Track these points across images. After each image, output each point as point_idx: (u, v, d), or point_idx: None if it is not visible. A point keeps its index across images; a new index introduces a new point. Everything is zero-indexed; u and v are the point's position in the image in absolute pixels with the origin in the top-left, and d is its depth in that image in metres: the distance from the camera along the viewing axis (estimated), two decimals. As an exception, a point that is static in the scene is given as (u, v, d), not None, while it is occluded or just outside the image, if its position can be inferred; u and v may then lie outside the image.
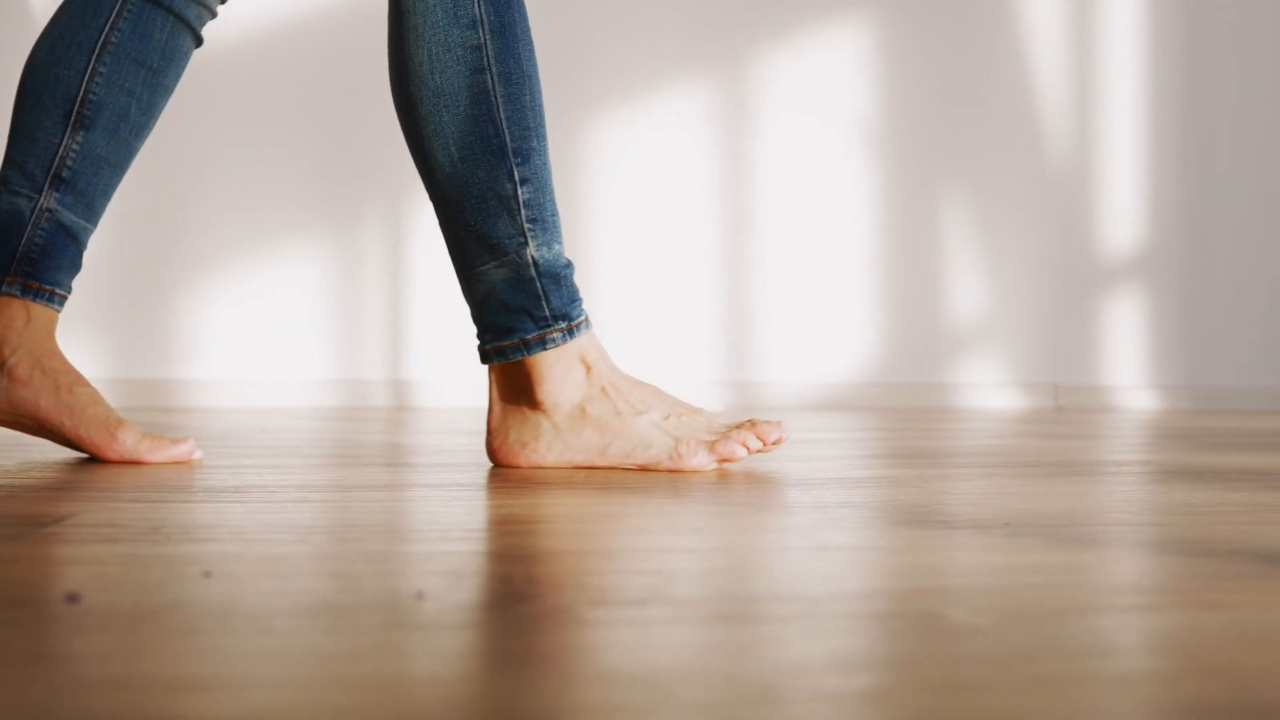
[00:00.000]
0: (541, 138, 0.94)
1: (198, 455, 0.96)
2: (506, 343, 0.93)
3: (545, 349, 0.92)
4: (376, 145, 2.28)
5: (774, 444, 0.92)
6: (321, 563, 0.50)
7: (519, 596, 0.43)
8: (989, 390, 2.57)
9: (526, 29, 0.94)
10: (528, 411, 0.94)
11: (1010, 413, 2.32)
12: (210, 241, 2.28)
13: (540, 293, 0.92)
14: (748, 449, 0.90)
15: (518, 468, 0.93)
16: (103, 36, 0.97)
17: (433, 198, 0.95)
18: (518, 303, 0.93)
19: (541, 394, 0.92)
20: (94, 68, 0.97)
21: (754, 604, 0.42)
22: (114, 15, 0.97)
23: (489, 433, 0.95)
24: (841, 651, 0.36)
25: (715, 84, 2.51)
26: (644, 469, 0.90)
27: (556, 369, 0.93)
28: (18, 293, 0.95)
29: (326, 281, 2.32)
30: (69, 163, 0.97)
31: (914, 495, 0.75)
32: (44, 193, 0.97)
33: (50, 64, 0.98)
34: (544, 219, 0.93)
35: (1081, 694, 0.31)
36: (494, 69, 0.92)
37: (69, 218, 0.97)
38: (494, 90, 0.92)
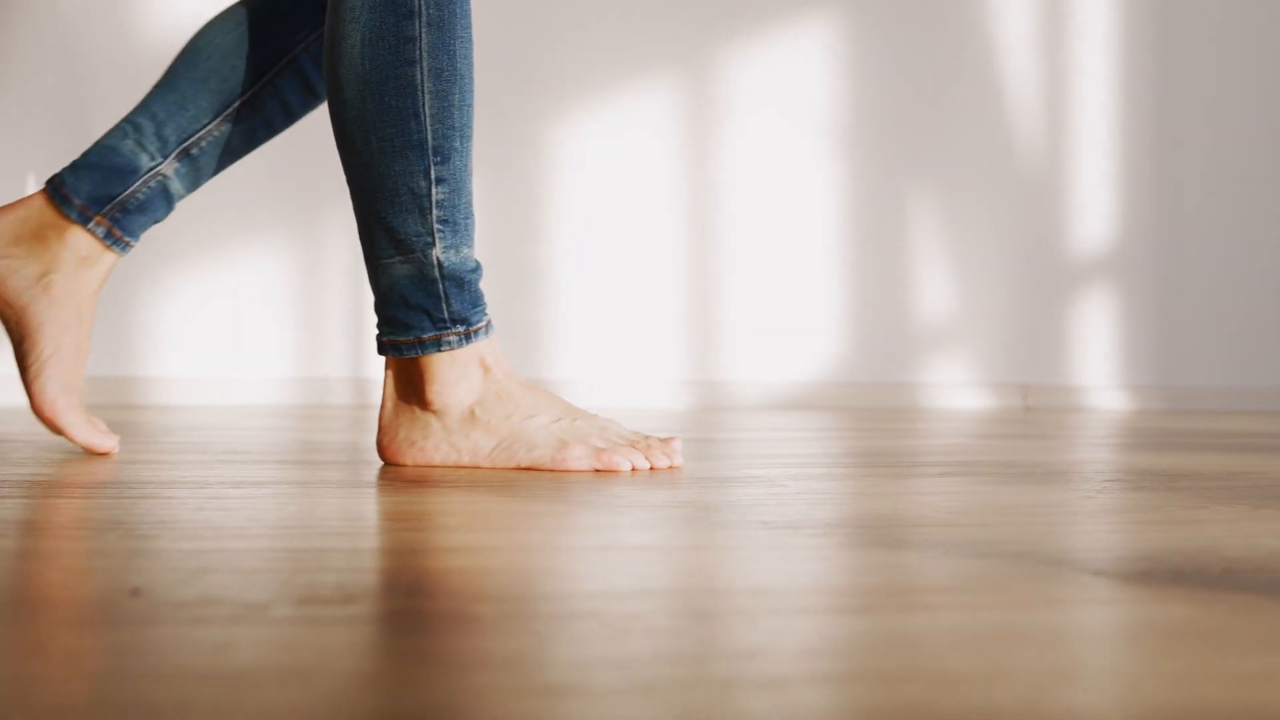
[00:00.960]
0: (466, 139, 0.94)
1: (109, 446, 0.97)
2: (403, 339, 0.93)
3: (440, 350, 0.92)
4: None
5: (662, 467, 0.92)
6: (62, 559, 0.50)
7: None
8: (957, 390, 2.55)
9: (467, 26, 0.94)
10: (418, 411, 0.93)
11: (977, 413, 2.31)
12: (171, 240, 2.29)
13: (442, 294, 0.92)
14: (633, 467, 0.90)
15: (404, 466, 0.93)
16: (292, 54, 1.03)
17: (349, 182, 0.95)
18: (418, 301, 0.92)
19: (431, 394, 0.92)
20: (271, 78, 1.03)
21: (433, 600, 0.42)
22: (311, 37, 1.03)
23: (379, 429, 0.95)
24: (508, 649, 0.36)
25: (681, 82, 2.51)
26: (527, 468, 0.90)
27: (450, 371, 0.92)
28: (101, 234, 1.00)
29: (288, 280, 2.32)
30: (202, 144, 1.03)
31: (777, 495, 0.74)
32: (168, 160, 1.02)
33: (233, 52, 1.03)
34: (456, 221, 0.93)
35: (715, 696, 0.31)
36: (425, 63, 0.91)
37: (176, 186, 1.03)
38: (422, 85, 0.91)
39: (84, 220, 0.98)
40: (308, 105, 1.06)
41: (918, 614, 0.41)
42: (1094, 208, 2.63)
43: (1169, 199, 2.67)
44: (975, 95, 2.58)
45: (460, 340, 0.92)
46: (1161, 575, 0.48)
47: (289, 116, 1.06)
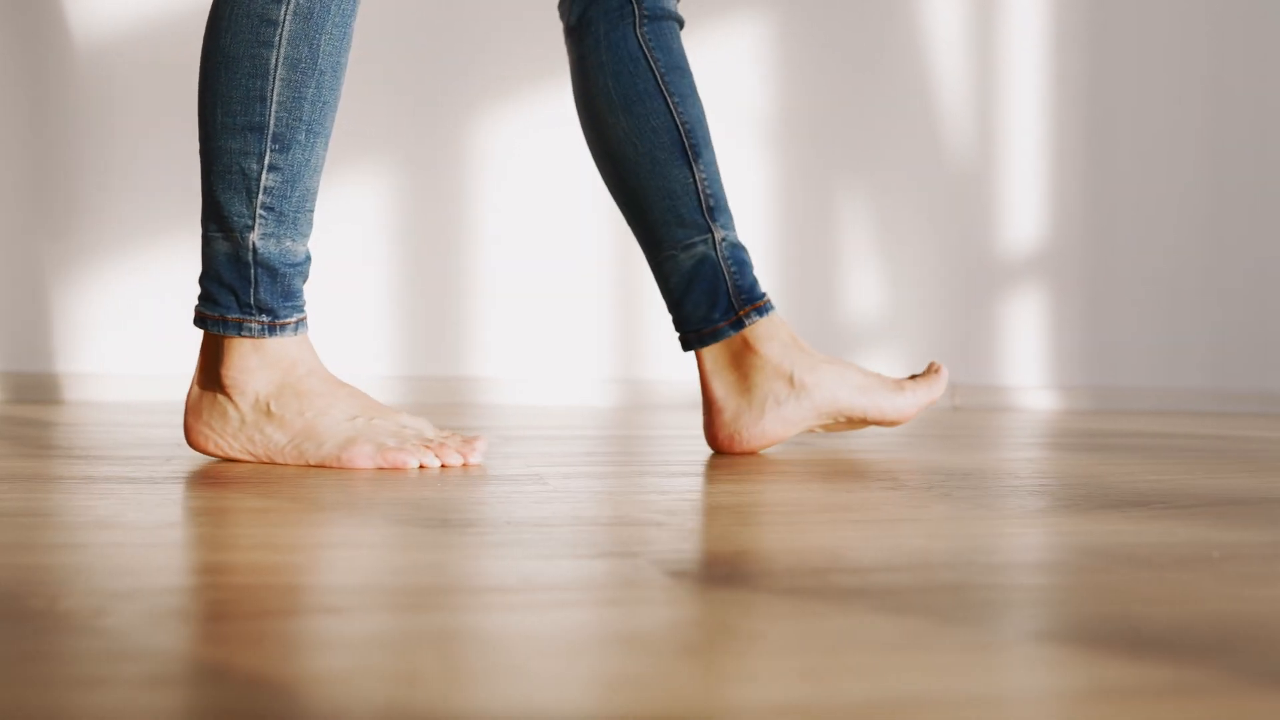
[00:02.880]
0: (315, 134, 0.93)
1: None
2: (210, 314, 0.93)
3: (241, 334, 0.92)
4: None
5: (462, 466, 0.92)
6: None
7: None
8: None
9: (341, 26, 0.93)
10: (218, 396, 0.94)
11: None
12: (91, 238, 2.29)
13: (252, 280, 0.92)
14: (421, 465, 0.90)
15: (208, 453, 0.94)
16: (656, 74, 1.07)
17: (200, 146, 0.95)
18: (229, 280, 0.92)
19: (226, 375, 0.92)
20: (671, 102, 1.07)
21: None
22: (648, 51, 1.07)
23: (186, 409, 0.96)
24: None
25: (608, 81, 2.51)
26: (318, 465, 0.90)
27: (250, 359, 0.92)
28: (756, 317, 1.09)
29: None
30: (708, 190, 1.09)
31: (519, 494, 0.74)
32: (711, 229, 1.09)
33: (639, 124, 1.07)
34: (283, 211, 0.93)
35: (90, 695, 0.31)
36: (283, 50, 0.91)
37: (733, 234, 1.11)
38: (275, 70, 0.91)
39: (739, 326, 1.09)
40: (693, 85, 1.10)
41: (445, 613, 0.41)
42: (1023, 208, 2.62)
43: (1099, 200, 2.66)
44: (905, 94, 2.57)
45: (263, 330, 0.92)
46: (746, 576, 0.47)
47: (700, 107, 1.09)
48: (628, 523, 0.62)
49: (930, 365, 1.15)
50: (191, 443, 0.95)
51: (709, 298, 1.09)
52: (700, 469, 0.95)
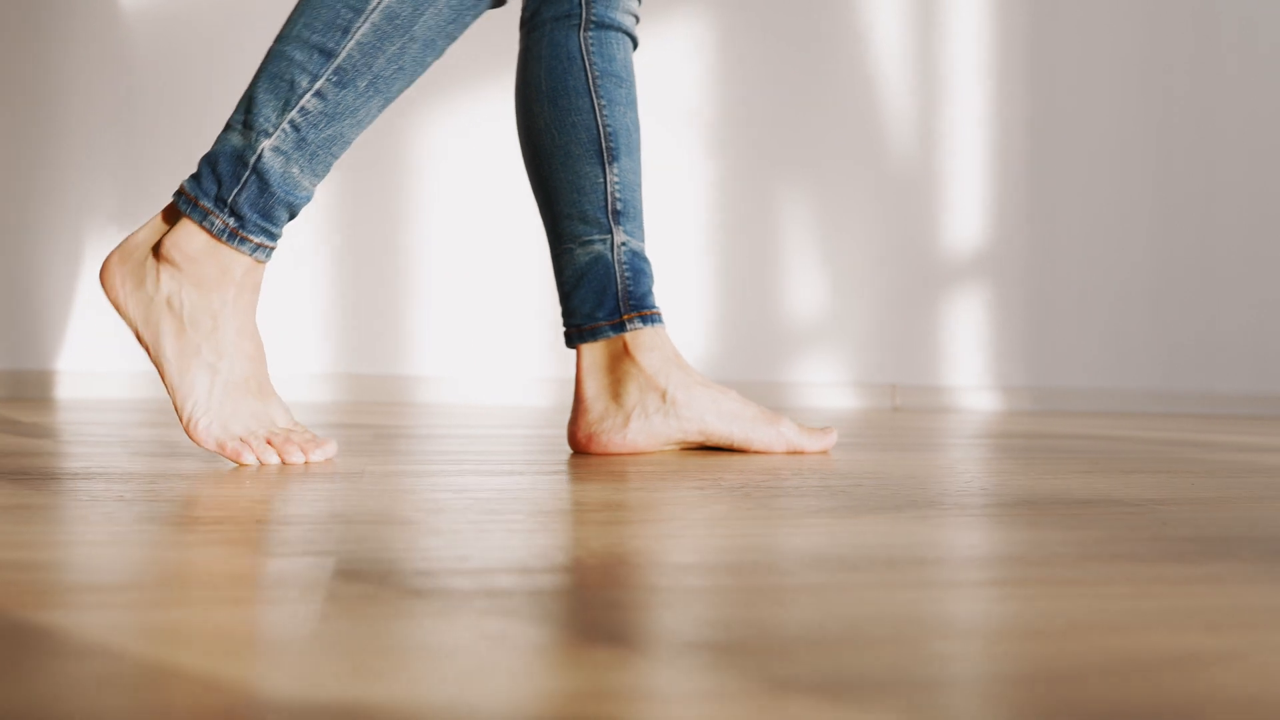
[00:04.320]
0: (379, 90, 0.93)
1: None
2: (189, 191, 0.92)
3: (200, 225, 0.90)
4: (186, 144, 2.28)
5: (318, 461, 0.91)
6: None
7: None
8: (826, 390, 2.54)
9: (454, 6, 0.94)
10: (150, 258, 0.92)
11: (844, 413, 2.29)
12: (24, 238, 2.28)
13: (241, 180, 0.90)
14: (258, 459, 0.89)
15: (108, 298, 0.93)
16: (589, 75, 1.08)
17: (271, 46, 0.95)
18: (222, 170, 0.91)
19: (168, 252, 0.91)
20: (597, 103, 1.08)
21: None
22: (586, 53, 1.08)
23: (115, 250, 0.94)
24: None
25: (547, 78, 2.50)
26: (165, 387, 0.91)
27: (195, 249, 0.91)
28: (640, 325, 1.08)
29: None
30: (618, 194, 1.08)
31: (320, 491, 0.73)
32: (613, 230, 1.08)
33: (561, 117, 1.08)
34: (306, 138, 0.92)
35: None
36: (374, 14, 0.91)
37: (636, 243, 1.09)
38: (370, 12, 0.91)
39: (621, 329, 1.08)
40: (630, 99, 1.10)
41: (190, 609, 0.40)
42: (964, 208, 2.61)
43: (1040, 201, 2.65)
44: (846, 94, 2.56)
45: (223, 231, 0.90)
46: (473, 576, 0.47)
47: (632, 118, 1.10)
48: (371, 520, 0.61)
49: (827, 428, 1.15)
50: (102, 278, 0.93)
51: (597, 296, 1.09)
52: (534, 468, 0.94)
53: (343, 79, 0.91)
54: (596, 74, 1.09)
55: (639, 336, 1.09)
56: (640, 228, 1.12)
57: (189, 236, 0.91)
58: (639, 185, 1.12)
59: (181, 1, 2.31)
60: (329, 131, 0.92)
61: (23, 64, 2.23)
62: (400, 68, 0.93)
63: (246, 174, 0.91)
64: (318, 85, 0.91)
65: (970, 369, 2.58)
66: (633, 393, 1.08)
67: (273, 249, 0.93)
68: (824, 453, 1.12)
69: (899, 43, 2.59)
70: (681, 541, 0.57)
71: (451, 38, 0.96)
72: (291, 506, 0.66)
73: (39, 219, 2.25)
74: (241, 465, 0.88)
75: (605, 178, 1.09)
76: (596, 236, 1.09)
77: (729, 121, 2.52)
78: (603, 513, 0.66)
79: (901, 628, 0.39)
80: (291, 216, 0.94)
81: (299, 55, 0.91)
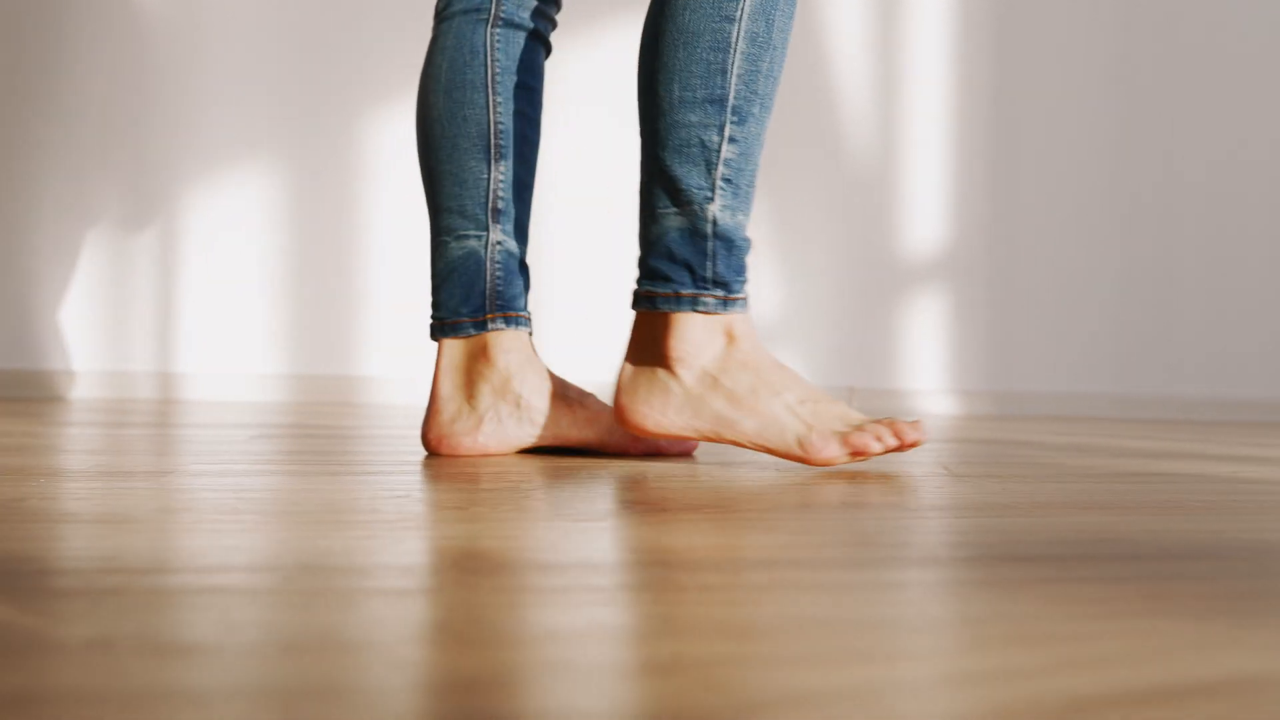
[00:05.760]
0: (766, 109, 0.94)
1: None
2: (660, 291, 0.94)
3: (694, 310, 0.93)
4: (148, 148, 2.28)
5: (910, 445, 0.91)
6: None
7: None
8: (782, 392, 2.52)
9: (791, 2, 0.95)
10: (659, 372, 0.94)
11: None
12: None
13: (709, 253, 0.93)
14: (881, 443, 0.89)
15: (646, 432, 0.95)
16: (489, 71, 1.07)
17: (642, 132, 0.96)
18: (684, 256, 0.93)
19: (677, 351, 0.93)
20: (493, 100, 1.07)
21: None
22: (489, 49, 1.07)
23: (618, 391, 0.96)
24: None
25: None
26: (769, 452, 0.91)
27: (698, 332, 0.93)
28: (502, 325, 1.06)
29: (95, 274, 2.32)
30: (500, 193, 1.08)
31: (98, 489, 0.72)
32: (489, 228, 1.07)
33: (454, 109, 1.07)
34: (739, 184, 0.94)
35: None
36: (744, 24, 0.92)
37: (513, 244, 1.08)
38: (736, 44, 0.92)
39: (483, 328, 1.06)
40: (531, 101, 1.10)
41: None
42: (926, 210, 2.58)
43: (1001, 203, 2.62)
44: (807, 94, 2.54)
45: (718, 304, 0.93)
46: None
47: (529, 121, 1.10)
48: (89, 520, 0.60)
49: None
50: (627, 423, 0.95)
51: (464, 291, 1.08)
52: (358, 469, 0.93)
53: (742, 116, 0.93)
54: (498, 70, 1.08)
55: (500, 337, 1.07)
56: (523, 231, 1.10)
57: (689, 327, 0.92)
58: (529, 188, 1.11)
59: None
60: (750, 167, 0.94)
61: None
62: (774, 78, 0.95)
63: (709, 244, 0.92)
64: (727, 132, 0.92)
65: (929, 372, 2.55)
66: (486, 395, 1.06)
67: (748, 294, 0.96)
68: (687, 455, 1.11)
69: (859, 41, 2.57)
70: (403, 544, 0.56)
71: (792, 28, 0.96)
72: (36, 503, 0.66)
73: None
74: (868, 455, 0.89)
75: (490, 175, 1.08)
76: (472, 232, 1.08)
77: (686, 122, 2.50)
78: (352, 515, 0.65)
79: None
80: (749, 248, 0.97)
81: (694, 117, 0.92)
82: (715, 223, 0.91)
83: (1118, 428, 2.02)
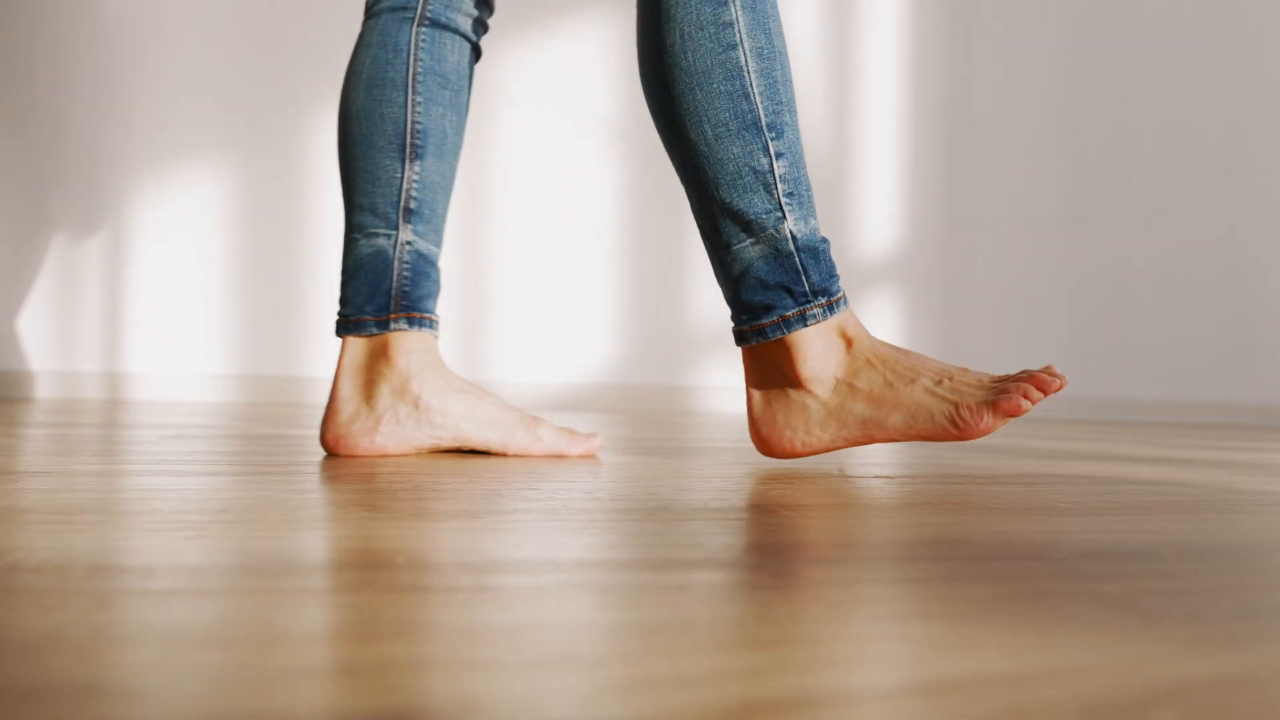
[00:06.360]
0: (793, 112, 0.94)
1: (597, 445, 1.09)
2: (765, 321, 0.93)
3: (806, 325, 0.92)
4: (89, 145, 2.27)
5: (1055, 390, 0.89)
6: None
7: None
8: (732, 394, 2.51)
9: (774, 3, 0.95)
10: (791, 393, 0.94)
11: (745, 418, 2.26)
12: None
13: (800, 268, 0.92)
14: (1030, 400, 0.88)
15: (794, 455, 0.94)
16: (410, 69, 1.07)
17: (685, 180, 0.95)
18: (776, 279, 0.93)
19: (805, 371, 0.92)
20: (412, 99, 1.06)
21: None
22: (413, 48, 1.07)
23: (753, 423, 0.95)
24: None
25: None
26: (926, 439, 0.89)
27: (817, 345, 0.92)
28: (405, 326, 1.05)
29: (47, 276, 2.31)
30: (414, 193, 1.07)
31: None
32: (400, 227, 1.06)
33: (372, 106, 1.07)
34: (800, 194, 0.93)
35: None
36: (746, 45, 0.92)
37: (424, 245, 1.07)
38: (746, 66, 0.92)
39: (385, 327, 1.05)
40: (454, 104, 1.10)
41: None
42: (877, 212, 2.58)
43: (954, 205, 2.62)
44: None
45: (824, 312, 0.92)
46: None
47: (451, 123, 1.09)
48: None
49: (592, 433, 1.13)
50: (773, 451, 0.95)
51: (369, 290, 1.07)
52: (249, 469, 0.92)
53: (779, 130, 0.93)
54: (419, 70, 1.08)
55: (402, 338, 1.07)
56: (434, 232, 1.10)
57: (806, 344, 0.92)
58: (445, 191, 1.10)
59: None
60: (802, 173, 0.94)
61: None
62: (789, 81, 0.95)
63: (797, 260, 0.92)
64: (773, 149, 0.92)
65: (883, 374, 2.55)
66: (385, 396, 1.06)
67: (844, 291, 0.96)
68: (589, 456, 1.10)
69: (813, 42, 2.57)
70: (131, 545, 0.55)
71: (780, 18, 0.98)
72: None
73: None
74: (1021, 413, 0.87)
75: (403, 174, 1.07)
76: (382, 230, 1.07)
77: (639, 122, 2.50)
78: (246, 515, 0.64)
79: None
80: (829, 245, 0.96)
81: (736, 149, 0.92)
82: (794, 238, 0.91)
83: (1062, 429, 2.01)
